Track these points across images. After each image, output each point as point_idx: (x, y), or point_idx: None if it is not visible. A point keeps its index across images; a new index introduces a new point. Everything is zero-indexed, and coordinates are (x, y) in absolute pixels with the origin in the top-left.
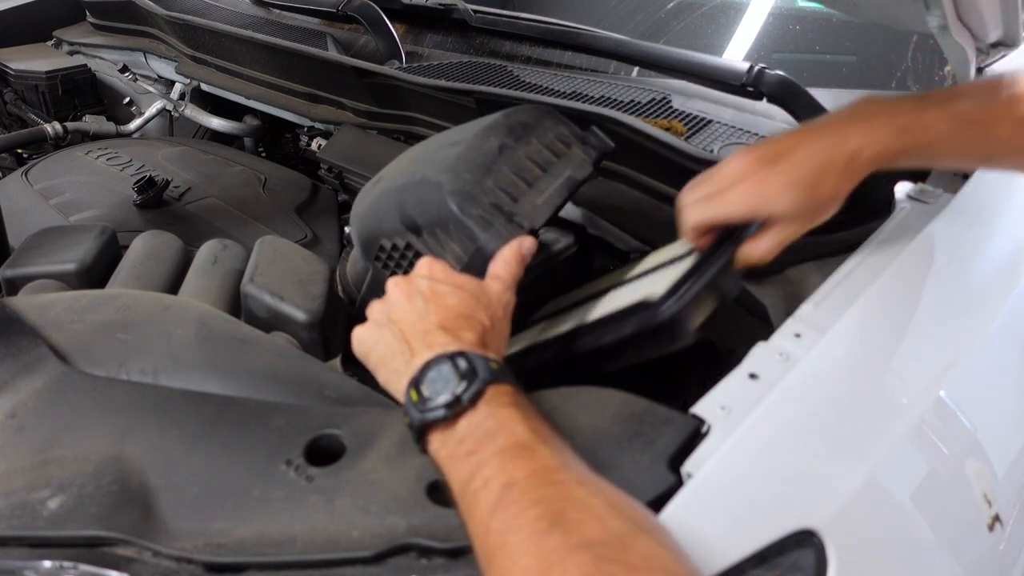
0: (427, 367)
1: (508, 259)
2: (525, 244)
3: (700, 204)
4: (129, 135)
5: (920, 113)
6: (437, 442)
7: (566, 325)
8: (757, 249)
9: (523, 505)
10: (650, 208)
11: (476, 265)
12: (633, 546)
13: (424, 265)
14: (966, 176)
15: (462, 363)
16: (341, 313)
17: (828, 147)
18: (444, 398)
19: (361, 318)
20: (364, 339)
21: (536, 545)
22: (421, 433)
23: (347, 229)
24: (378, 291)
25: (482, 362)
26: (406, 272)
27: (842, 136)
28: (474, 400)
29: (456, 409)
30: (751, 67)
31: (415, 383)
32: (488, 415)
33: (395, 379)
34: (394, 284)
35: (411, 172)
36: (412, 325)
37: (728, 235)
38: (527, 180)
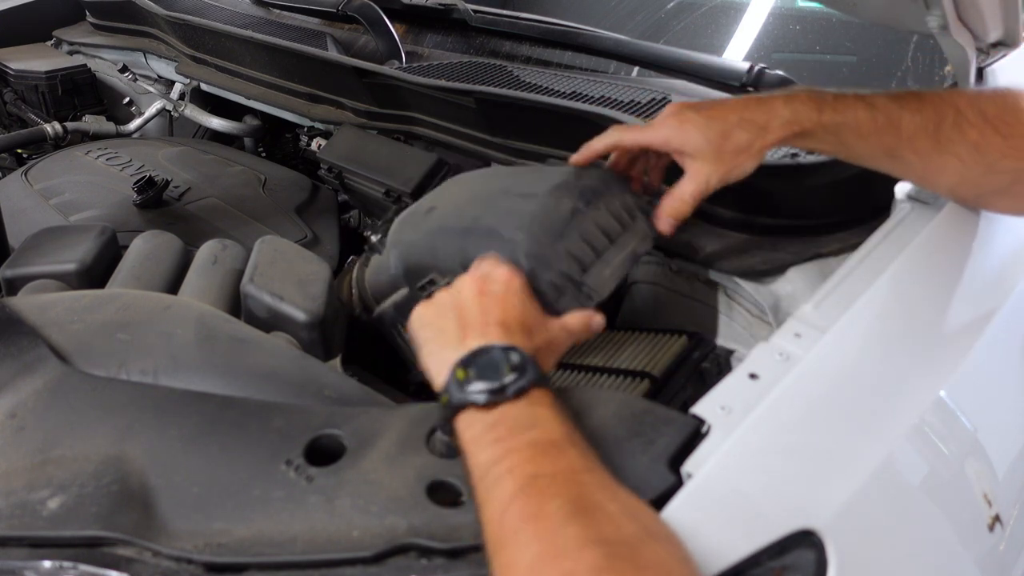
0: (480, 351)
1: (579, 321)
2: (596, 320)
3: (626, 128)
4: (129, 135)
5: (840, 99)
6: (465, 423)
7: None
8: (679, 193)
9: (545, 497)
10: (650, 208)
11: None
12: (645, 549)
13: (505, 274)
14: None
15: (515, 357)
16: (341, 313)
17: (750, 106)
18: (490, 384)
19: (378, 328)
20: (423, 315)
21: (552, 534)
22: (454, 411)
23: (372, 238)
24: (408, 311)
25: (532, 364)
26: None
27: (765, 101)
28: (518, 395)
29: (498, 398)
30: (751, 67)
31: (464, 363)
32: (526, 410)
33: (438, 357)
34: (470, 279)
35: (474, 216)
36: (474, 316)
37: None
38: (596, 249)
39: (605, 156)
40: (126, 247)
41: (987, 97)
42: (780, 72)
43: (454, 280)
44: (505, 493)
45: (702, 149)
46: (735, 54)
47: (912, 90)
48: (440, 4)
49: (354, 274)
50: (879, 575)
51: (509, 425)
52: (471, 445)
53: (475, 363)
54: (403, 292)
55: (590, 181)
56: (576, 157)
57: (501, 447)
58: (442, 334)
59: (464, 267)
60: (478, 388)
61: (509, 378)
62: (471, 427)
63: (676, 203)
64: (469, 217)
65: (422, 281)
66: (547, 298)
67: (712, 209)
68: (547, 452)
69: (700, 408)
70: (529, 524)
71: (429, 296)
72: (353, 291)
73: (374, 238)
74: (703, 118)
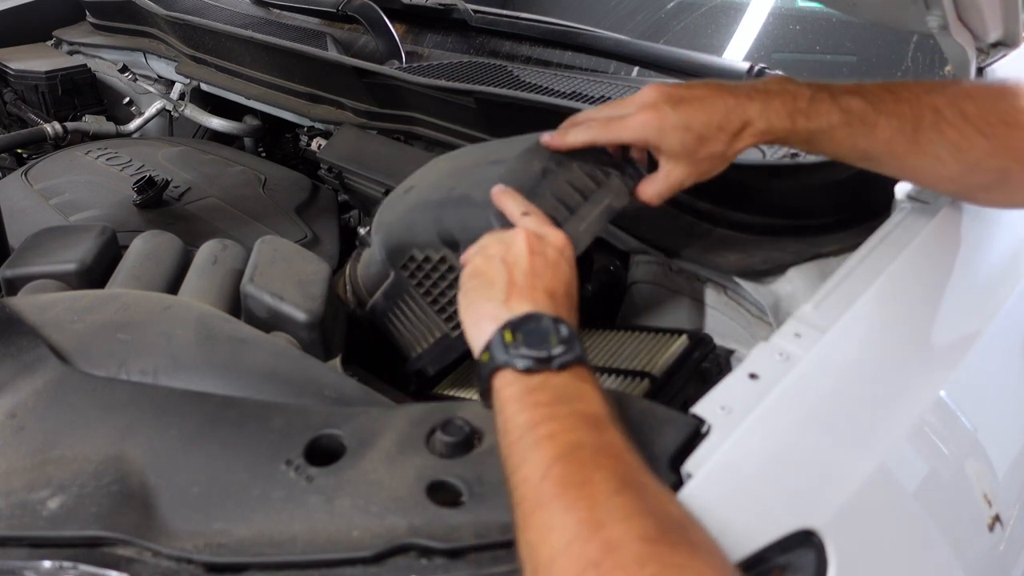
0: (529, 317)
1: None
2: None
3: (601, 124)
4: (129, 135)
5: (815, 103)
6: (504, 381)
7: None
8: (650, 189)
9: (589, 466)
10: (649, 208)
11: None
12: (693, 529)
13: (560, 239)
14: None
15: (564, 330)
16: (341, 313)
17: (727, 110)
18: (538, 353)
19: (371, 320)
20: (473, 262)
21: (598, 502)
22: (493, 370)
23: (360, 230)
24: (397, 297)
25: (578, 340)
26: (434, 285)
27: (741, 105)
28: (562, 367)
29: (543, 367)
30: (751, 67)
31: (512, 326)
32: (570, 382)
33: (479, 308)
34: (523, 235)
35: (449, 187)
36: (524, 275)
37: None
38: (569, 206)
39: None
40: (126, 247)
41: (969, 94)
42: (780, 72)
43: (435, 255)
44: (545, 456)
45: (677, 152)
46: (735, 54)
47: (891, 84)
48: (440, 4)
49: (347, 271)
50: (879, 575)
51: (552, 393)
52: (509, 403)
53: (523, 328)
54: (390, 279)
55: None
56: (547, 142)
57: (542, 412)
58: (488, 287)
59: (441, 237)
60: (524, 353)
61: (557, 350)
62: (510, 386)
63: (646, 196)
64: (444, 189)
65: (404, 260)
66: None
67: (712, 209)
68: (591, 425)
69: (700, 408)
70: (572, 490)
71: (411, 276)
72: (347, 287)
73: (362, 231)
74: (681, 119)
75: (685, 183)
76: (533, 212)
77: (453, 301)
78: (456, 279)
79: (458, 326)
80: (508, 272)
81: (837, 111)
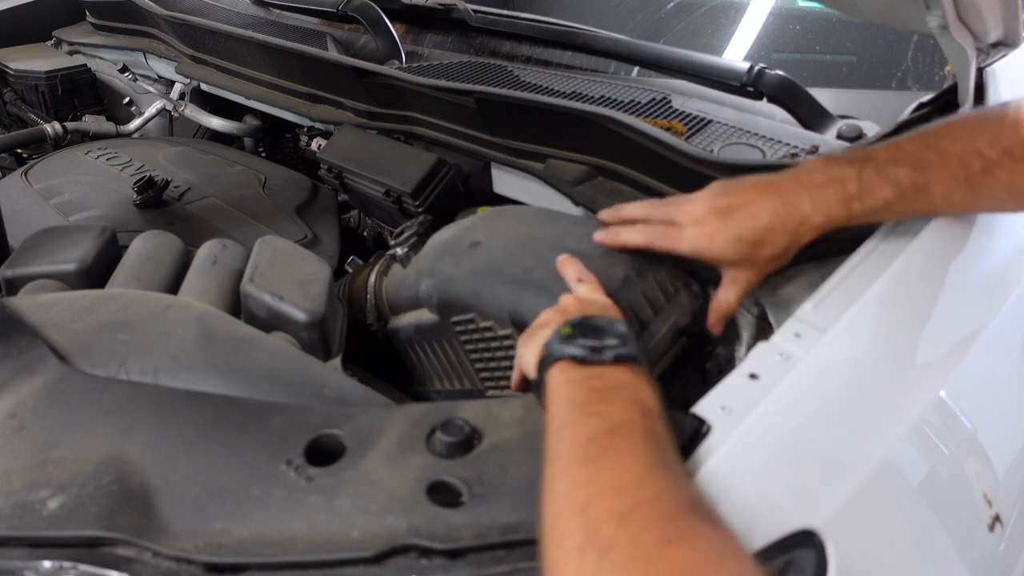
0: (588, 317)
1: None
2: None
3: (658, 232)
4: (129, 135)
5: (864, 184)
6: (561, 368)
7: None
8: (723, 300)
9: (638, 442)
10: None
11: None
12: (720, 519)
13: (607, 302)
14: None
15: (620, 327)
16: (341, 313)
17: (778, 210)
18: (593, 342)
19: (391, 339)
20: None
21: (641, 471)
22: (550, 363)
23: (399, 250)
24: (434, 338)
25: (635, 341)
26: (486, 349)
27: (792, 203)
28: (617, 361)
29: (598, 357)
30: (751, 67)
31: (569, 323)
32: (626, 374)
33: (534, 337)
34: (572, 297)
35: (528, 267)
36: (575, 307)
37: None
38: (641, 320)
39: None
40: (126, 247)
41: (1006, 129)
42: (780, 72)
43: (500, 331)
44: (594, 427)
45: (735, 261)
46: (735, 54)
47: (930, 137)
48: (440, 4)
49: (371, 281)
50: (879, 575)
51: (608, 381)
52: (564, 385)
53: (580, 324)
54: (431, 317)
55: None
56: (600, 239)
57: (597, 394)
58: (542, 327)
59: (512, 318)
60: (581, 343)
61: (611, 342)
62: (566, 371)
63: (723, 308)
64: (520, 267)
65: (460, 317)
66: None
67: None
68: (641, 414)
69: (700, 408)
70: (614, 454)
71: (462, 333)
72: (369, 297)
73: (400, 251)
74: (733, 232)
75: (753, 282)
76: (589, 280)
77: (498, 367)
78: (510, 354)
79: (492, 388)
80: (559, 315)
81: (889, 187)
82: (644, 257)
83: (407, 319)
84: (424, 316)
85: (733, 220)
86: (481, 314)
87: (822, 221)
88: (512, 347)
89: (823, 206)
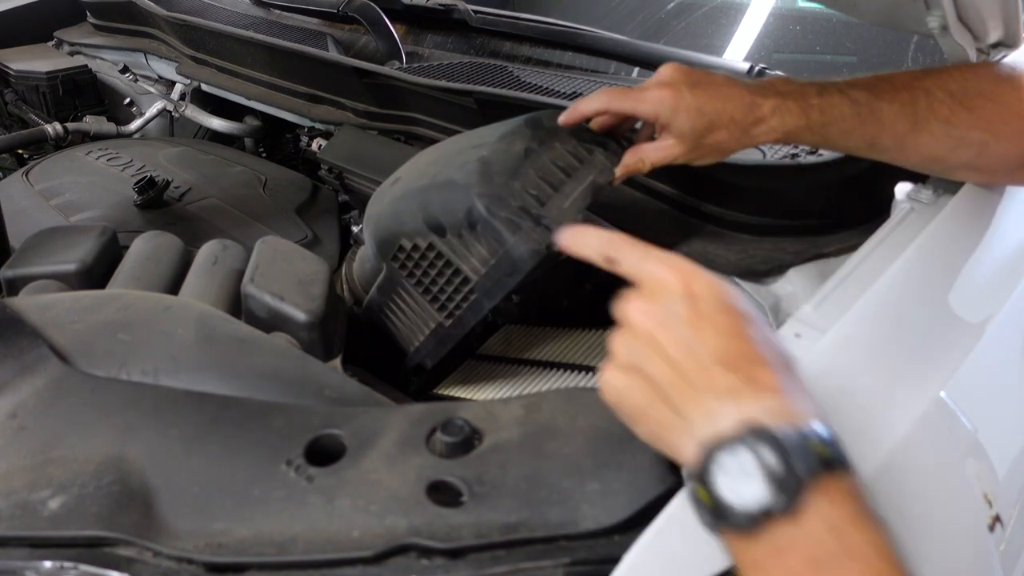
0: (717, 454)
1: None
2: None
3: (616, 93)
4: (129, 135)
5: (825, 96)
6: (735, 539)
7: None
8: (645, 154)
9: None
10: (649, 208)
11: (503, 268)
12: None
13: (674, 274)
14: None
15: (768, 457)
16: (341, 313)
17: (742, 104)
18: (749, 506)
19: (369, 318)
20: (612, 384)
21: None
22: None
23: (354, 228)
24: (390, 291)
25: (800, 447)
26: (424, 274)
27: (756, 102)
28: (795, 511)
29: (767, 521)
30: (751, 67)
31: (701, 478)
32: (821, 529)
33: (665, 435)
34: (636, 309)
35: (433, 173)
36: (676, 365)
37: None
38: (552, 184)
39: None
40: (126, 247)
41: (949, 75)
42: (780, 73)
43: (422, 242)
44: None
45: (685, 133)
46: (735, 54)
47: (885, 74)
48: (440, 4)
49: (343, 270)
50: None
51: (808, 558)
52: (751, 569)
53: (716, 471)
54: (383, 273)
55: (543, 122)
56: (563, 118)
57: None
58: (652, 409)
59: (427, 223)
60: (735, 515)
61: (771, 495)
62: (748, 551)
63: (636, 163)
64: (428, 176)
65: (392, 251)
66: (503, 234)
67: (712, 209)
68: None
69: None
70: None
71: (402, 267)
72: (344, 286)
73: (356, 229)
74: (696, 102)
75: (677, 160)
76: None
77: (444, 289)
78: (444, 265)
79: (451, 315)
80: (655, 372)
81: (848, 104)
82: (550, 131)
83: (372, 289)
84: (381, 276)
85: (699, 93)
86: (406, 236)
87: (777, 125)
88: (439, 255)
89: (783, 112)
